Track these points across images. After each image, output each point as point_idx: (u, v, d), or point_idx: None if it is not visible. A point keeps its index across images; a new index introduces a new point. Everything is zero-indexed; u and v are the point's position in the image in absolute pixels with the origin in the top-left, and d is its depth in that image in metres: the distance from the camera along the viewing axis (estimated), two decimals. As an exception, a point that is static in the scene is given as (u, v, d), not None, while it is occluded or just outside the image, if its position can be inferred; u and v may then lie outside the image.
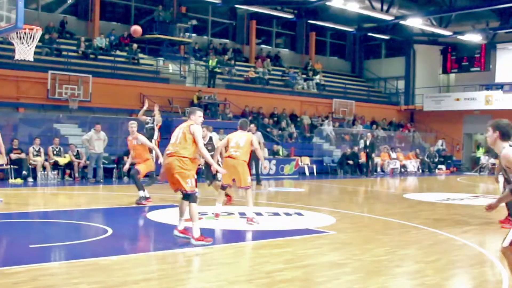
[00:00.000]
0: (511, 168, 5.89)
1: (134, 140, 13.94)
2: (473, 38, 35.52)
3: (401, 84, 42.47)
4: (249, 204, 11.26)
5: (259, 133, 23.96)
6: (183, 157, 8.87)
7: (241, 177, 11.33)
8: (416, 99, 40.93)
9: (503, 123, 6.07)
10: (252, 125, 22.08)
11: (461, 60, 39.23)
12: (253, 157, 21.20)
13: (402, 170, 32.27)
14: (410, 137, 38.08)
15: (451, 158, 36.80)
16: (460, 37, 35.85)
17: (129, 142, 14.23)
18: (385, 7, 31.66)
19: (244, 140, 11.45)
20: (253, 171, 21.11)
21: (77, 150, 21.54)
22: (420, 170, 33.76)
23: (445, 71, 40.78)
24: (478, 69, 38.17)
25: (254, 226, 10.93)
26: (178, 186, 8.90)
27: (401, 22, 33.35)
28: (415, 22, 32.91)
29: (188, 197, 8.94)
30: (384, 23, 34.71)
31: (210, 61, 31.14)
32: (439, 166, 34.71)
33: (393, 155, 32.69)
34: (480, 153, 36.08)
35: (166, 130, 26.15)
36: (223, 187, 11.83)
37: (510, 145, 5.93)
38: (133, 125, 14.11)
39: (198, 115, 9.20)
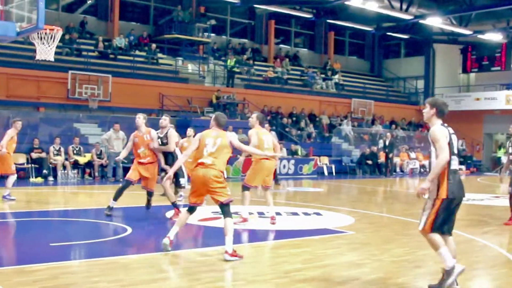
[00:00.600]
0: (435, 143, 6.51)
1: (146, 135, 11.68)
2: (494, 37, 35.24)
3: (420, 84, 42.23)
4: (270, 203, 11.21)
5: (273, 133, 24.00)
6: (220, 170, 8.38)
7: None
8: (436, 99, 40.62)
9: (440, 101, 6.84)
10: (267, 125, 22.17)
11: (481, 60, 38.97)
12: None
13: (422, 170, 32.09)
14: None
15: (471, 158, 36.55)
16: (480, 36, 35.59)
17: (138, 139, 11.76)
18: (404, 6, 31.52)
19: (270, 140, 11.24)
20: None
21: (101, 150, 21.65)
22: (440, 171, 33.49)
23: (465, 70, 40.52)
24: (499, 68, 37.90)
25: (273, 226, 10.93)
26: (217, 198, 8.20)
27: (421, 21, 33.18)
28: (435, 21, 32.72)
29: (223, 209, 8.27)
30: (404, 22, 34.54)
31: (229, 61, 31.19)
32: (459, 166, 34.42)
33: (412, 155, 32.53)
34: (501, 153, 35.79)
35: (185, 130, 26.27)
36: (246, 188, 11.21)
37: (442, 124, 6.63)
38: (139, 118, 11.99)
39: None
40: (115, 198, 11.60)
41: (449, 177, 6.55)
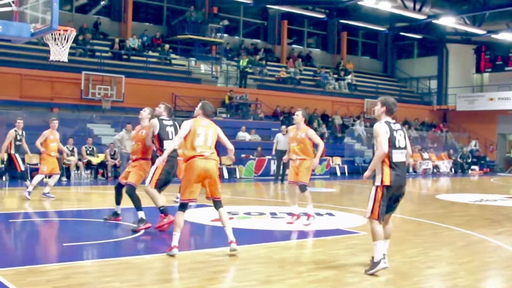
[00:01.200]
0: (376, 138, 7.26)
1: (142, 131, 10.48)
2: (508, 37, 35.03)
3: (433, 84, 42.09)
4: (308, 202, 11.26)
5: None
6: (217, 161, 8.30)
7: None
8: (449, 99, 40.53)
9: (391, 101, 7.50)
10: (283, 127, 22.18)
11: (495, 60, 38.76)
12: (279, 155, 21.38)
13: (435, 170, 31.97)
14: (443, 138, 37.71)
15: (485, 158, 36.35)
16: (494, 36, 35.39)
17: (135, 132, 10.80)
18: (417, 6, 31.41)
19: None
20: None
21: (115, 150, 21.72)
22: (453, 171, 33.42)
23: (478, 70, 40.32)
24: (513, 68, 37.67)
25: (287, 226, 10.93)
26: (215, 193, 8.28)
27: (434, 21, 33.05)
28: (448, 21, 32.59)
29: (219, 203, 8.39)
30: (417, 22, 34.41)
31: (241, 61, 31.20)
32: (472, 167, 34.32)
33: (426, 155, 32.41)
34: (513, 153, 35.69)
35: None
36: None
37: (386, 121, 7.35)
38: (144, 112, 10.79)
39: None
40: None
41: (391, 168, 7.20)
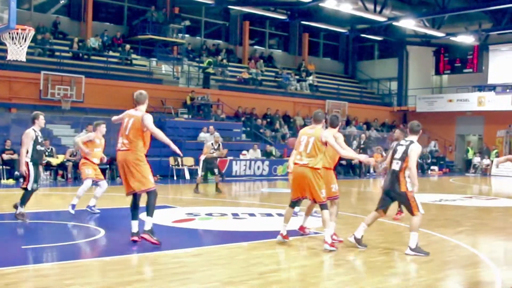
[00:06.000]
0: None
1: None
2: (466, 39, 35.59)
3: (394, 85, 42.53)
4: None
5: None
6: (317, 168, 9.03)
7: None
8: (409, 100, 41.02)
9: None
10: (211, 127, 22.53)
11: (453, 62, 39.32)
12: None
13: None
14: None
15: (444, 159, 36.87)
16: (452, 38, 35.93)
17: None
18: (378, 8, 31.69)
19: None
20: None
21: (77, 152, 21.35)
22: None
23: (437, 72, 40.86)
24: (471, 70, 38.24)
25: (249, 227, 10.91)
26: (314, 196, 9.08)
27: (394, 23, 33.40)
28: (408, 24, 32.96)
29: (323, 206, 9.07)
30: (377, 24, 34.75)
31: (207, 61, 31.17)
32: (432, 167, 34.78)
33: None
34: (470, 154, 36.26)
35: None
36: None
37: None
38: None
39: None
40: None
41: None
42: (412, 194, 8.75)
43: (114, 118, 9.65)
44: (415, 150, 8.79)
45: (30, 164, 11.27)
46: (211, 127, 23.34)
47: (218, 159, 19.85)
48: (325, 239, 8.90)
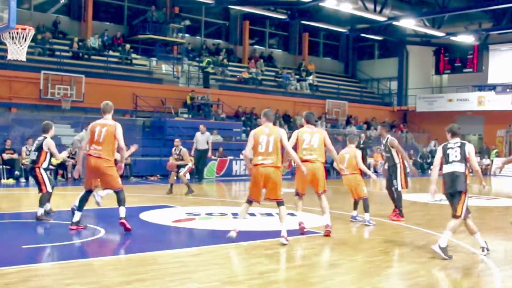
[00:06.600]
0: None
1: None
2: (466, 39, 35.61)
3: (394, 85, 42.55)
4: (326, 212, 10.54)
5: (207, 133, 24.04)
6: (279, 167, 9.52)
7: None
8: (409, 100, 41.04)
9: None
10: (201, 126, 22.34)
11: (453, 61, 39.34)
12: (197, 155, 21.78)
13: (395, 170, 32.21)
14: (403, 138, 38.12)
15: (444, 159, 36.83)
16: (453, 38, 35.94)
17: None
18: (378, 8, 31.69)
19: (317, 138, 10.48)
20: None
21: (76, 151, 21.35)
22: (413, 171, 33.72)
23: (438, 72, 40.89)
24: (471, 70, 38.29)
25: (248, 227, 10.89)
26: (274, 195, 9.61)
27: (394, 23, 33.39)
28: (408, 23, 32.96)
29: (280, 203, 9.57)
30: (377, 24, 34.74)
31: (206, 61, 31.13)
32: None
33: (386, 155, 32.66)
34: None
35: (159, 130, 26.19)
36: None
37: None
38: None
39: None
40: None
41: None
42: (466, 195, 9.08)
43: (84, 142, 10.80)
44: (473, 149, 9.21)
45: (42, 170, 11.63)
46: (201, 126, 22.33)
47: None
48: (282, 233, 9.23)
